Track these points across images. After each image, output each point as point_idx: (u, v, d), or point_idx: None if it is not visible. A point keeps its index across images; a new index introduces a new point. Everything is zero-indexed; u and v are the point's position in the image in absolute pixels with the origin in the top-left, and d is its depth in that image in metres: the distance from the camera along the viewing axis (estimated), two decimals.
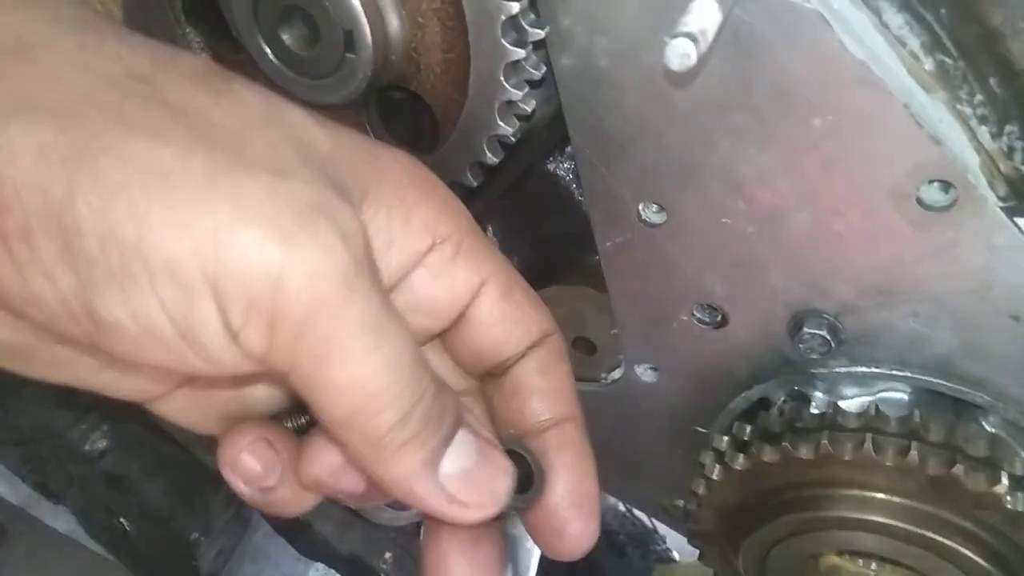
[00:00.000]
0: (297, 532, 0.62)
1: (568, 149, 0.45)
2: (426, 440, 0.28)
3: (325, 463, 0.31)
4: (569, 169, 0.47)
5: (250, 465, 0.32)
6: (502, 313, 0.34)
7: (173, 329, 0.25)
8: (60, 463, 0.63)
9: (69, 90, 0.24)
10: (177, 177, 0.24)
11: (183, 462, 0.60)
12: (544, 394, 0.35)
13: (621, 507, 1.39)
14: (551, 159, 0.46)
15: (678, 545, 1.37)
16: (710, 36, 0.27)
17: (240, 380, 0.34)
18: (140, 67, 0.26)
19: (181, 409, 0.34)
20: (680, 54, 0.26)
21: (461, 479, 0.29)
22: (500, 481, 0.31)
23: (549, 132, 0.42)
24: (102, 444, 0.61)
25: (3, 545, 0.84)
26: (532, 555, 1.07)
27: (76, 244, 0.23)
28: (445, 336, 0.35)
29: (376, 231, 0.30)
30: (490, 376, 0.35)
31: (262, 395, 0.35)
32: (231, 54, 0.43)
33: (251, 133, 0.26)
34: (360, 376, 0.26)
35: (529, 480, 0.33)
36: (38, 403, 0.60)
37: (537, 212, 0.49)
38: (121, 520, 0.66)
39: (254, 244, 0.24)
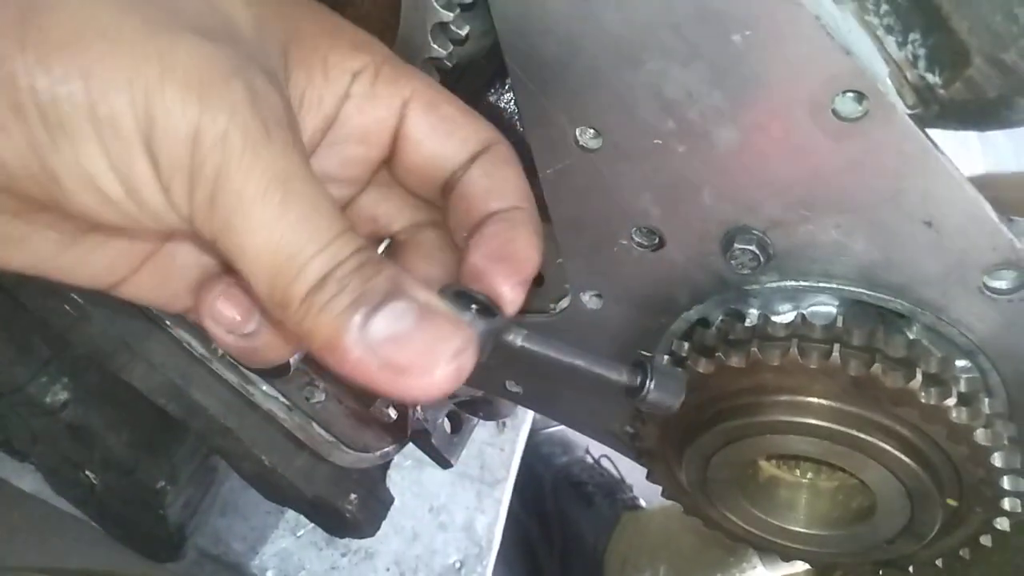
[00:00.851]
0: (263, 477, 0.64)
1: (508, 81, 0.46)
2: (352, 301, 0.28)
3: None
4: (509, 101, 0.48)
5: (228, 312, 0.33)
6: (430, 126, 0.35)
7: (120, 185, 0.26)
8: (22, 419, 0.64)
9: None
10: (115, 34, 0.25)
11: (145, 411, 0.61)
12: (489, 192, 0.35)
13: (589, 459, 1.42)
14: (492, 91, 0.47)
15: (645, 494, 1.42)
16: None
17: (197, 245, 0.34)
18: None
19: (149, 288, 0.35)
20: None
21: (395, 342, 0.28)
22: (444, 344, 0.28)
23: (488, 63, 0.43)
24: (63, 396, 0.62)
25: None
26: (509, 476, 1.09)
27: (26, 100, 0.25)
28: (391, 167, 0.36)
29: (302, 90, 0.32)
30: (444, 197, 0.36)
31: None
32: None
33: (204, 6, 0.28)
34: (272, 237, 0.27)
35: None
36: None
37: None
38: (87, 473, 0.67)
39: (176, 102, 0.25)
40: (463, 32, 0.36)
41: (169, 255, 0.35)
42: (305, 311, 0.27)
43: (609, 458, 1.44)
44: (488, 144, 0.35)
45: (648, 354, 0.52)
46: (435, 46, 0.37)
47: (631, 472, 1.46)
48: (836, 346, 0.40)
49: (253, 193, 0.26)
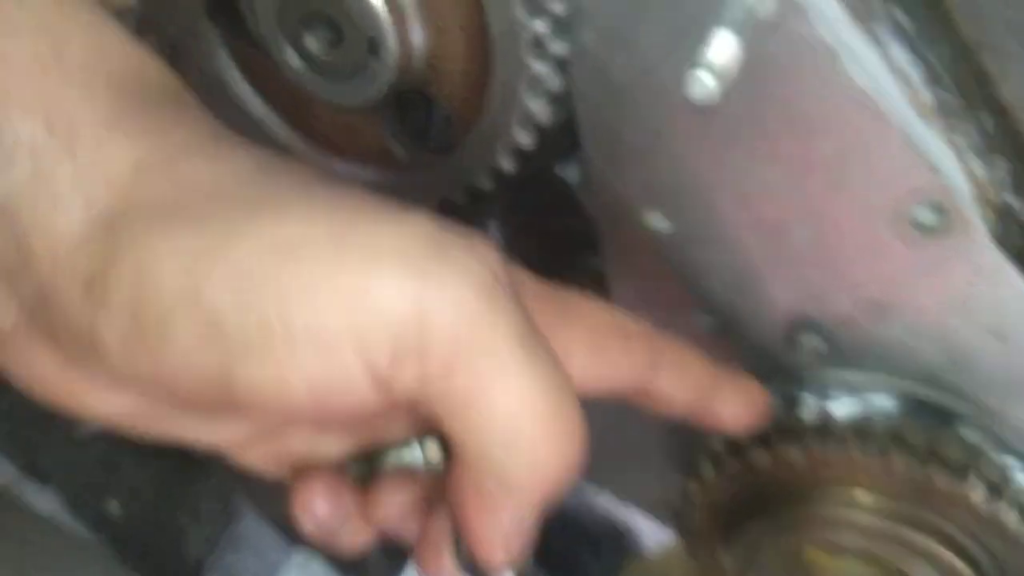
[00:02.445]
0: (282, 515, 0.63)
1: (577, 154, 0.47)
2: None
3: (392, 507, 0.34)
4: (577, 173, 0.48)
5: (323, 511, 0.34)
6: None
7: (315, 387, 0.25)
8: (51, 446, 0.64)
9: (203, 193, 0.26)
10: (305, 246, 0.25)
11: (173, 451, 0.61)
12: None
13: (598, 507, 1.42)
14: (560, 162, 0.48)
15: (651, 542, 1.40)
16: (731, 72, 0.29)
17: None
18: (264, 164, 0.28)
19: (260, 458, 0.35)
20: (701, 86, 0.28)
21: (521, 537, 0.30)
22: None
23: (560, 137, 0.44)
24: (95, 428, 0.62)
25: None
26: None
27: (215, 326, 0.25)
28: None
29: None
30: None
31: (332, 443, 0.36)
32: (249, 49, 0.44)
33: (362, 199, 0.28)
34: (519, 390, 0.26)
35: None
36: None
37: (543, 212, 0.51)
38: (110, 502, 0.66)
39: (390, 287, 0.25)
40: (548, 120, 0.37)
41: (285, 439, 0.35)
42: (528, 509, 0.28)
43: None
44: None
45: None
46: (520, 134, 0.37)
47: (637, 519, 1.45)
48: (896, 447, 0.41)
49: (500, 349, 0.25)
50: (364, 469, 0.36)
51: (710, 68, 0.28)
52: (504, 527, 0.29)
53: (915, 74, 0.34)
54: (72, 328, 0.26)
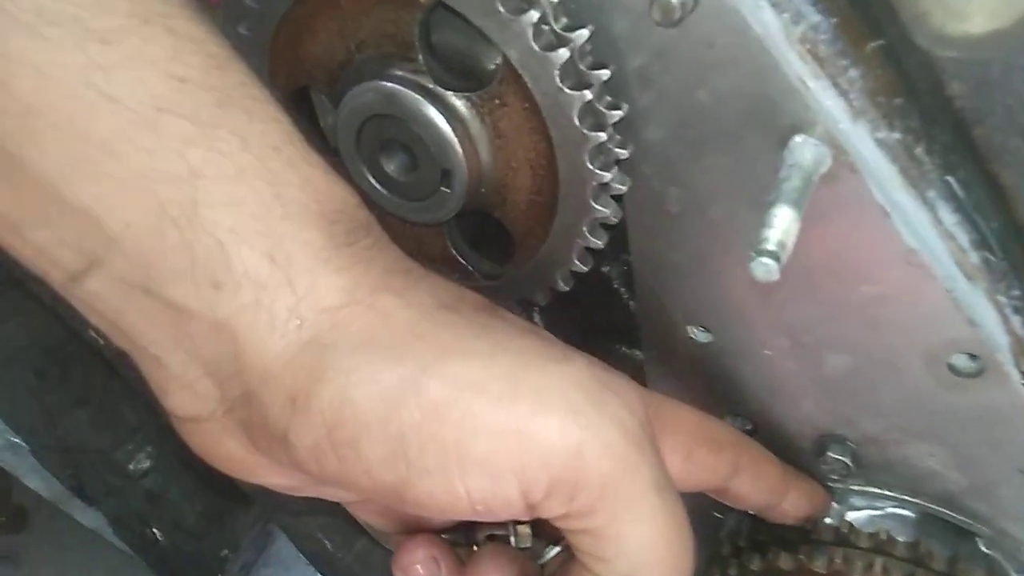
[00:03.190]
0: (322, 558, 0.66)
1: (623, 256, 0.48)
2: None
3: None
4: (621, 272, 0.50)
5: (416, 570, 0.37)
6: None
7: (476, 503, 0.29)
8: (100, 476, 0.67)
9: (398, 326, 0.29)
10: (485, 387, 0.28)
11: (220, 486, 0.64)
12: None
13: None
14: (607, 263, 0.49)
15: None
16: (790, 246, 0.30)
17: None
18: (445, 298, 0.31)
19: (376, 514, 0.39)
20: (764, 271, 0.29)
21: None
22: None
23: (609, 248, 0.45)
24: (145, 464, 0.64)
25: (23, 531, 0.87)
26: None
27: (400, 450, 0.28)
28: None
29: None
30: None
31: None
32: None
33: (531, 334, 0.32)
34: (649, 534, 0.29)
35: None
36: (86, 421, 0.63)
37: (584, 306, 0.52)
38: (154, 530, 0.69)
39: (554, 431, 0.28)
40: (624, 187, 0.38)
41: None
42: None
43: None
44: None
45: None
46: (578, 262, 0.39)
47: None
48: (917, 569, 0.42)
49: (640, 494, 0.29)
50: (461, 538, 0.39)
51: (771, 253, 0.29)
52: None
53: (963, 236, 0.36)
54: (269, 429, 0.29)
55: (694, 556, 0.31)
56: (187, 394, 0.31)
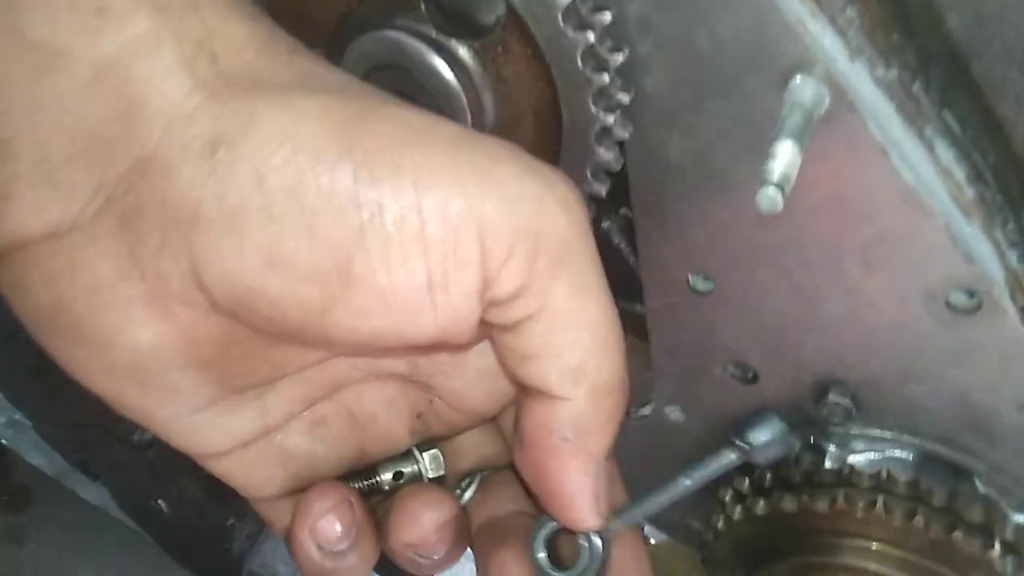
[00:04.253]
0: None
1: (622, 211, 0.49)
2: (617, 423, 0.30)
3: (420, 528, 0.33)
4: (621, 227, 0.50)
5: (331, 529, 0.32)
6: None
7: (427, 278, 0.25)
8: (104, 448, 0.67)
9: (325, 81, 0.27)
10: (437, 134, 0.26)
11: None
12: None
13: None
14: (607, 217, 0.49)
15: (653, 532, 1.44)
16: (793, 179, 0.31)
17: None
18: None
19: (247, 467, 0.33)
20: (770, 202, 0.30)
21: (605, 480, 0.31)
22: (609, 507, 0.33)
23: (610, 201, 0.46)
24: (149, 436, 0.65)
25: (27, 510, 0.87)
26: None
27: (352, 196, 0.24)
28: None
29: None
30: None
31: (331, 455, 0.36)
32: None
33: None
34: (603, 316, 0.28)
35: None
36: (91, 396, 0.63)
37: None
38: (159, 501, 0.70)
39: (515, 176, 0.26)
40: (605, 192, 0.39)
41: (285, 438, 0.34)
42: (600, 407, 0.29)
43: None
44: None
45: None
46: (594, 183, 0.39)
47: None
48: (919, 507, 0.43)
49: (592, 269, 0.28)
50: (364, 483, 0.36)
51: (776, 184, 0.30)
52: (585, 476, 0.30)
53: (960, 172, 0.36)
54: (171, 208, 0.24)
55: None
56: (42, 194, 0.24)
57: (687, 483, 0.37)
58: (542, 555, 0.34)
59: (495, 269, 0.26)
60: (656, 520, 0.63)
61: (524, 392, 0.30)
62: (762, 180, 0.30)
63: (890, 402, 0.45)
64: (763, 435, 0.37)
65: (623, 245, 0.51)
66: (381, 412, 0.37)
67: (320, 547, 0.32)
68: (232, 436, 0.33)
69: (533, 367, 0.29)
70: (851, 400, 0.45)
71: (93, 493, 0.81)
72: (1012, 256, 0.37)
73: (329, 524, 0.32)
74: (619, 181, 0.42)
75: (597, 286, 0.29)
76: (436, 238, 0.25)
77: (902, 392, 0.44)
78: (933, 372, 0.42)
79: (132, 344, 0.27)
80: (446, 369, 0.36)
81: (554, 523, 0.34)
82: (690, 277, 0.45)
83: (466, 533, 0.36)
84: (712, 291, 0.45)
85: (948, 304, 0.39)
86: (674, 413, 0.53)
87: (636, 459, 0.58)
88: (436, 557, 0.34)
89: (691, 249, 0.43)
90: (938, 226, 0.36)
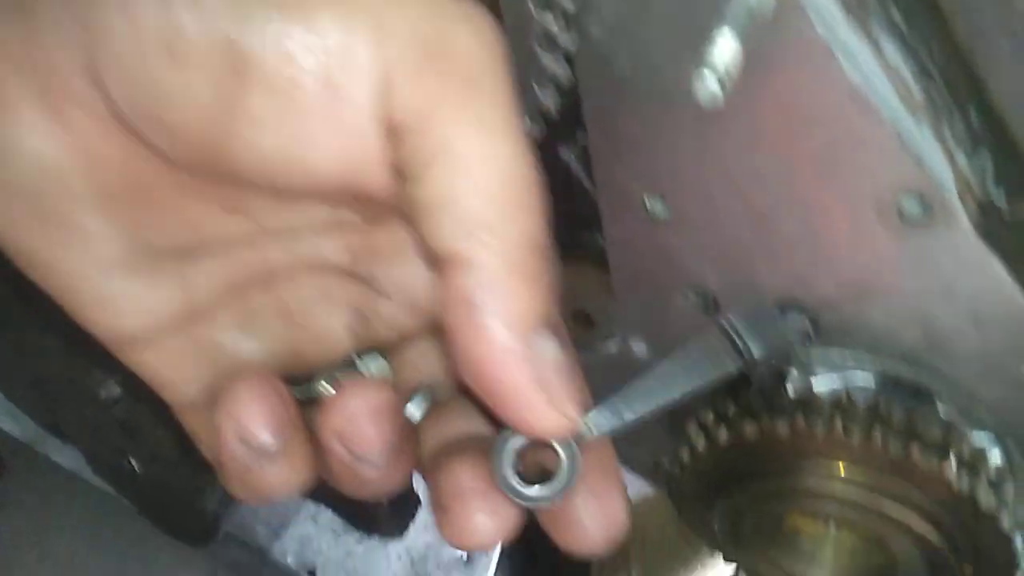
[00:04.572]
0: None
1: (579, 137, 0.48)
2: (546, 287, 0.26)
3: (349, 408, 0.29)
4: (579, 157, 0.50)
5: (258, 420, 0.28)
6: None
7: (322, 75, 0.23)
8: (74, 407, 0.66)
9: None
10: None
11: None
12: None
13: None
14: (564, 147, 0.49)
15: (635, 492, 1.44)
16: (734, 74, 0.31)
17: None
18: None
19: (169, 359, 0.31)
20: (708, 91, 0.29)
21: (555, 370, 0.27)
22: (573, 405, 0.28)
23: (565, 124, 0.45)
24: (116, 391, 0.64)
25: (2, 478, 0.87)
26: None
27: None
28: None
29: None
30: None
31: (263, 353, 0.33)
32: None
33: None
34: (505, 155, 0.24)
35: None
36: (56, 348, 0.62)
37: (547, 194, 0.52)
38: (131, 460, 0.69)
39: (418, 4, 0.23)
40: (554, 108, 0.38)
41: (212, 328, 0.32)
42: (512, 260, 0.25)
43: None
44: None
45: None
46: (530, 124, 0.39)
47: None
48: (877, 427, 0.43)
49: (499, 97, 0.24)
50: (299, 392, 0.32)
51: (715, 70, 0.30)
52: (521, 359, 0.26)
53: (907, 70, 0.36)
54: None
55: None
56: None
57: (672, 380, 0.32)
58: (508, 471, 0.29)
59: (392, 81, 0.24)
60: (625, 460, 0.63)
61: (437, 266, 0.27)
62: (701, 66, 0.30)
63: (849, 323, 0.44)
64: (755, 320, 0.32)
65: (583, 176, 0.51)
66: (319, 308, 0.34)
67: (245, 441, 0.29)
68: (151, 314, 0.30)
69: (434, 224, 0.25)
70: (810, 322, 0.44)
71: (67, 457, 0.81)
72: (961, 157, 0.37)
73: (256, 413, 0.29)
74: (576, 107, 0.42)
75: (510, 128, 0.25)
76: (331, 30, 0.23)
77: (860, 311, 0.43)
78: (889, 287, 0.42)
79: (25, 153, 0.25)
80: (389, 256, 0.34)
81: (521, 436, 0.29)
82: (646, 200, 0.44)
83: (410, 442, 0.33)
84: (668, 214, 0.44)
85: (901, 213, 0.38)
86: (639, 347, 0.53)
87: (605, 395, 0.58)
88: (373, 457, 0.30)
89: (645, 170, 0.43)
90: (886, 128, 0.36)
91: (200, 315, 0.32)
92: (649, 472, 0.60)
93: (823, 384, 0.46)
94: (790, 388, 0.46)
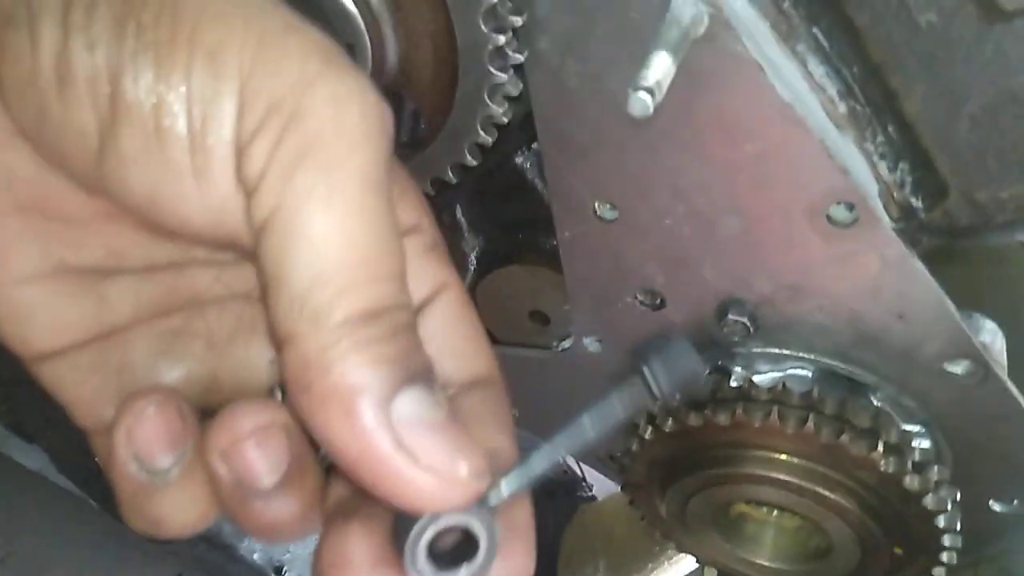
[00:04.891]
0: None
1: (535, 145, 0.50)
2: (395, 359, 0.24)
3: (233, 428, 0.27)
4: (534, 163, 0.52)
5: (153, 433, 0.27)
6: (454, 327, 0.32)
7: (187, 125, 0.24)
8: (36, 408, 0.67)
9: None
10: (260, 6, 0.24)
11: None
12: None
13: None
14: (519, 154, 0.51)
15: (603, 493, 1.48)
16: (664, 87, 0.33)
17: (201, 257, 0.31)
18: None
19: (78, 376, 0.29)
20: (640, 106, 0.32)
21: (419, 428, 0.24)
22: (469, 456, 0.25)
23: (520, 132, 0.48)
24: None
25: None
26: None
27: (134, 11, 0.23)
28: None
29: None
30: None
31: (179, 375, 0.32)
32: None
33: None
34: (346, 232, 0.24)
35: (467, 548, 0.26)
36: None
37: (503, 199, 0.55)
38: (96, 460, 0.70)
39: (298, 50, 0.24)
40: (508, 119, 0.40)
41: (128, 347, 0.31)
42: (341, 336, 0.24)
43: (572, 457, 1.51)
44: (490, 379, 0.33)
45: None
46: (483, 133, 0.41)
47: (591, 471, 1.52)
48: (811, 414, 0.46)
49: (348, 179, 0.24)
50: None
51: (647, 89, 0.32)
52: (369, 424, 0.23)
53: (831, 87, 0.39)
54: None
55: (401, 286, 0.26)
56: None
57: (586, 426, 0.30)
58: (421, 557, 0.25)
59: (247, 134, 0.24)
60: (579, 454, 0.65)
61: (277, 347, 0.25)
62: (634, 86, 0.32)
63: (785, 319, 0.47)
64: (669, 359, 0.31)
65: (537, 181, 0.53)
66: (243, 338, 0.33)
67: (139, 460, 0.27)
68: (65, 330, 0.29)
69: (269, 298, 0.24)
70: (749, 318, 0.47)
71: (32, 459, 0.81)
72: (883, 167, 0.40)
73: (153, 431, 0.27)
74: (529, 117, 0.44)
75: (363, 205, 0.24)
76: (201, 87, 0.23)
77: (795, 309, 0.46)
78: (820, 287, 0.45)
79: None
80: None
81: (437, 519, 0.26)
82: (596, 205, 0.47)
83: (312, 481, 0.29)
84: (617, 218, 0.47)
85: (829, 218, 0.41)
86: (592, 345, 0.55)
87: (561, 391, 0.60)
88: (260, 483, 0.27)
89: (595, 176, 0.45)
90: (814, 141, 0.39)
91: (117, 336, 0.30)
92: (604, 465, 0.63)
93: (764, 379, 0.49)
94: (733, 382, 0.49)
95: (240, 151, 0.24)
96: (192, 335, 0.32)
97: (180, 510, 0.28)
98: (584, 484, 1.46)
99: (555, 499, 1.42)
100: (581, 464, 1.49)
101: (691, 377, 0.31)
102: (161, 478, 0.28)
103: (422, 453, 0.24)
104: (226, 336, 0.33)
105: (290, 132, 0.24)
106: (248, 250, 0.26)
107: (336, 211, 0.24)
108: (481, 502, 0.26)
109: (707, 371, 0.50)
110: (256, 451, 0.27)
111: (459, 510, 0.26)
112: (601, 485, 1.48)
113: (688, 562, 1.28)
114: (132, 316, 0.31)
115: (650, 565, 1.28)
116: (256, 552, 0.93)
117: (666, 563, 1.28)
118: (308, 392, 0.24)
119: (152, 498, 0.28)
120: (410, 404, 0.24)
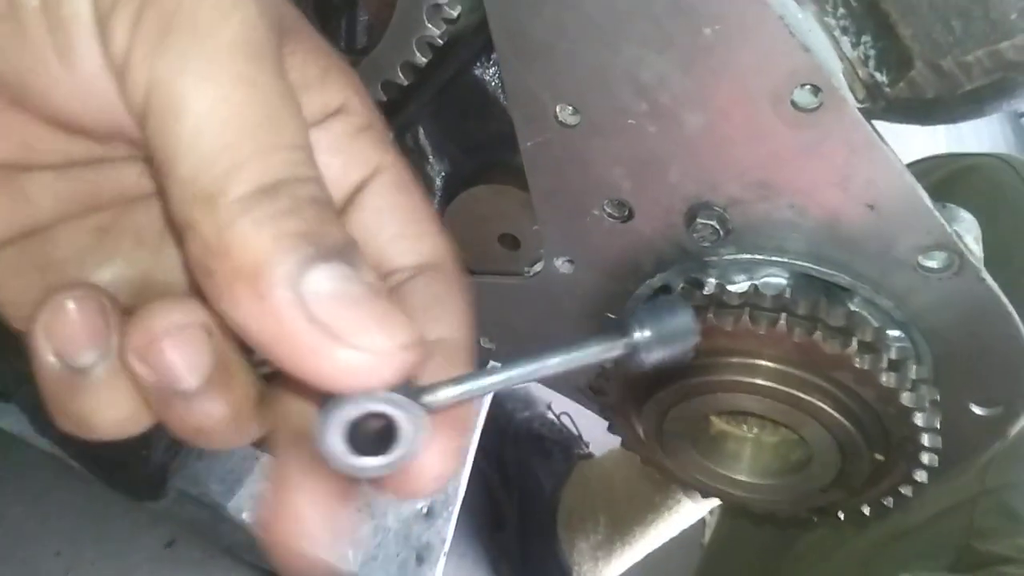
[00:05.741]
0: None
1: (493, 56, 0.49)
2: (302, 232, 0.22)
3: (149, 324, 0.25)
4: (494, 75, 0.50)
5: (73, 325, 0.26)
6: (392, 211, 0.30)
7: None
8: (9, 361, 0.66)
9: None
10: None
11: None
12: (427, 315, 0.29)
13: (550, 415, 1.48)
14: (478, 65, 0.50)
15: (600, 450, 1.48)
16: None
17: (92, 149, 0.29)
18: None
19: (8, 272, 0.28)
20: None
21: (335, 302, 0.22)
22: (396, 328, 0.23)
23: (475, 38, 0.46)
24: None
25: None
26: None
27: None
28: None
29: (292, 65, 0.27)
30: None
31: (109, 273, 0.31)
32: None
33: None
34: (229, 104, 0.22)
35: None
36: None
37: (465, 116, 0.53)
38: None
39: None
40: (455, 12, 0.39)
41: (56, 242, 0.30)
42: (236, 214, 0.22)
43: (569, 415, 1.50)
44: (435, 264, 0.31)
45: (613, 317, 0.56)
46: (430, 25, 0.39)
47: (588, 429, 1.52)
48: (783, 315, 0.45)
49: (222, 48, 0.22)
50: None
51: None
52: (273, 302, 0.22)
53: None
54: None
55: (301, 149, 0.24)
56: None
57: (553, 363, 0.27)
58: (335, 439, 0.24)
59: (105, 5, 0.23)
60: (554, 384, 0.64)
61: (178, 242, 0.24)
62: None
63: (756, 221, 0.46)
64: (665, 335, 0.27)
65: (500, 96, 0.52)
66: (170, 234, 0.31)
67: (58, 354, 0.26)
68: None
69: (162, 186, 0.23)
70: (718, 221, 0.46)
71: (9, 421, 0.80)
72: (846, 44, 0.38)
73: (72, 326, 0.26)
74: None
75: (239, 76, 0.23)
76: None
77: (765, 208, 0.45)
78: (788, 180, 0.43)
79: None
80: None
81: (357, 402, 0.24)
82: (557, 109, 0.45)
83: (240, 384, 0.28)
84: (579, 123, 0.45)
85: (794, 103, 0.40)
86: (563, 265, 0.54)
87: (534, 318, 0.59)
88: (180, 384, 0.26)
89: (554, 78, 0.44)
90: (774, 17, 0.37)
91: (40, 234, 0.29)
92: (579, 393, 0.61)
93: (737, 287, 0.48)
94: (705, 290, 0.48)
95: (102, 26, 0.23)
96: (119, 233, 0.31)
97: (107, 407, 0.27)
98: (581, 442, 1.45)
99: (551, 459, 1.41)
100: (577, 424, 1.49)
101: (681, 356, 0.28)
102: (85, 376, 0.26)
103: (339, 327, 0.22)
104: (156, 234, 0.32)
105: (150, 2, 0.22)
106: (138, 141, 0.24)
107: (213, 83, 0.22)
108: (415, 397, 0.25)
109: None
110: (174, 351, 0.26)
111: (388, 396, 0.24)
112: (598, 443, 1.47)
113: (689, 512, 1.28)
114: (54, 213, 0.29)
115: (651, 516, 1.27)
116: (245, 512, 0.92)
117: (667, 513, 1.28)
118: (212, 278, 0.23)
119: (76, 396, 0.27)
120: (325, 280, 0.23)
